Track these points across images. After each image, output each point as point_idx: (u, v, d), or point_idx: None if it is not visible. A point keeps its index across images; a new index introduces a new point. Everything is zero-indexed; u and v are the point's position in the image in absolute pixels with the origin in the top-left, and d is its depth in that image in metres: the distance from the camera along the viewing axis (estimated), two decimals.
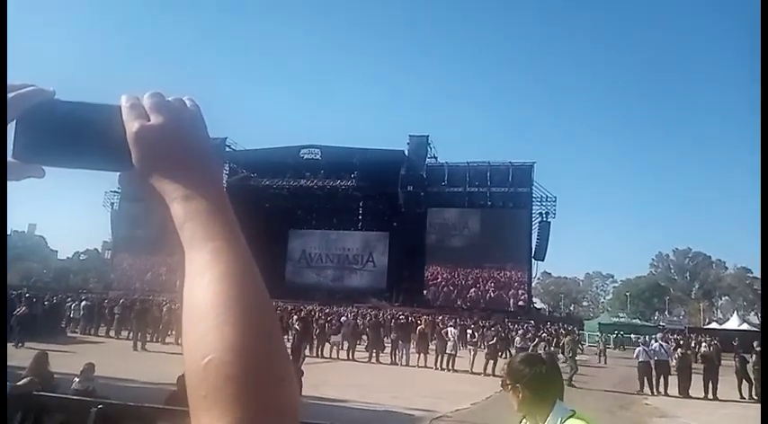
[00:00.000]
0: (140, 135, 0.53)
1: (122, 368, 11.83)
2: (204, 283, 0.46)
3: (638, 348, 16.20)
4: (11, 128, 0.53)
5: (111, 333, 23.11)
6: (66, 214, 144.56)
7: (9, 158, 0.53)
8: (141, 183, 0.54)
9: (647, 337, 19.70)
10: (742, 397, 15.31)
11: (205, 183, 0.52)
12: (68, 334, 22.25)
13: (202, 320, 0.44)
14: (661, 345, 16.47)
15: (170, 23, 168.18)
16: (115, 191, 56.96)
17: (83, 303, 25.60)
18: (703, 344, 19.87)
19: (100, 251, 78.84)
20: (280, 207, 49.99)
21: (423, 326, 20.91)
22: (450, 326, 20.58)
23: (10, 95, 0.53)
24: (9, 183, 0.55)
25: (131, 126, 0.53)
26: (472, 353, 19.00)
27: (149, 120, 0.54)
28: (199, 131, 0.56)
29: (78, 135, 0.54)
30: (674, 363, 15.86)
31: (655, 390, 15.43)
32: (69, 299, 27.74)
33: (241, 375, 0.41)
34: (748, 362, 15.48)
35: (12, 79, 0.55)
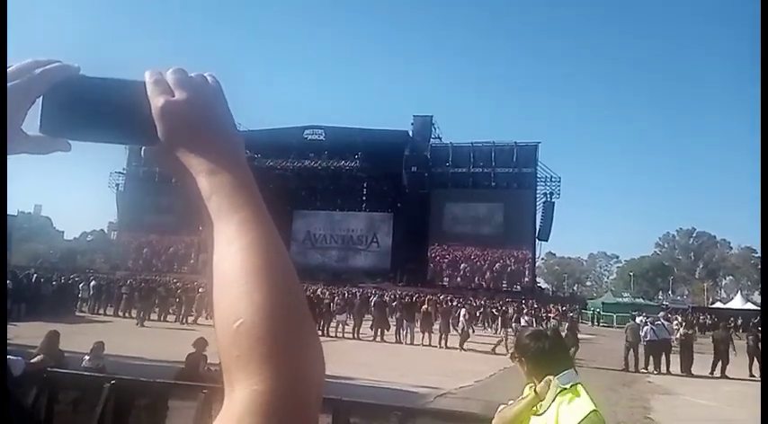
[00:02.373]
0: (166, 110, 0.54)
1: (131, 347, 11.98)
2: (232, 252, 0.48)
3: (645, 327, 16.23)
4: (38, 104, 0.54)
5: (119, 312, 23.37)
6: (71, 195, 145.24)
7: (36, 132, 0.55)
8: (166, 157, 0.55)
9: (655, 315, 19.76)
10: (752, 375, 15.48)
11: (230, 157, 0.54)
12: (77, 314, 22.49)
13: (232, 287, 0.46)
14: (662, 324, 16.51)
15: (175, 5, 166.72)
16: (120, 172, 57.13)
17: (91, 283, 25.86)
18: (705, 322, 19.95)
19: (106, 231, 79.18)
20: (284, 188, 49.93)
21: (427, 306, 21.04)
22: (462, 308, 20.85)
23: (37, 71, 0.54)
24: (30, 157, 0.56)
25: (156, 101, 0.55)
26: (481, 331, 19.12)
27: (174, 96, 0.55)
28: (221, 107, 0.58)
29: (103, 110, 0.55)
30: (675, 341, 15.98)
31: (656, 368, 15.56)
32: (77, 279, 28.02)
33: (271, 337, 0.44)
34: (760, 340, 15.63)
35: (36, 56, 0.56)
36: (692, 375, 15.09)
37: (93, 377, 4.15)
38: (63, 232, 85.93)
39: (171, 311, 23.06)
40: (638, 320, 18.95)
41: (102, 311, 24.11)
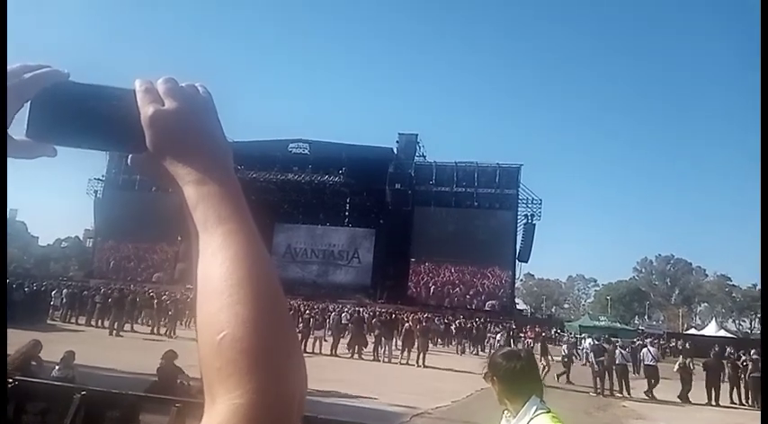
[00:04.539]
0: (155, 118, 0.54)
1: (103, 357, 11.74)
2: (217, 263, 0.48)
3: (616, 351, 16.45)
4: (26, 108, 0.54)
5: (92, 322, 22.90)
6: (47, 200, 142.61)
7: (23, 137, 0.54)
8: (153, 166, 0.55)
9: (636, 340, 20.10)
10: (736, 403, 15.84)
11: (218, 168, 0.54)
12: (48, 322, 21.99)
13: (216, 299, 0.46)
14: (649, 350, 16.76)
15: (166, 16, 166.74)
16: (99, 179, 56.36)
17: (64, 291, 25.35)
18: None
19: (81, 238, 77.89)
20: (266, 201, 49.45)
21: (409, 324, 20.98)
22: (498, 333, 21.02)
23: (26, 76, 0.54)
24: (8, 160, 0.56)
25: (146, 109, 0.55)
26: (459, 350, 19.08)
27: (164, 105, 0.55)
28: (211, 117, 0.58)
29: (92, 116, 0.55)
30: (676, 368, 16.11)
31: (623, 391, 15.66)
32: (51, 287, 27.47)
33: (254, 349, 0.44)
34: (742, 369, 16.05)
35: (25, 60, 0.56)
36: (667, 402, 15.21)
37: (62, 388, 4.05)
38: (38, 237, 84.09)
39: (144, 321, 22.69)
40: (587, 341, 19.33)
41: (74, 320, 23.61)
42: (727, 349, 23.37)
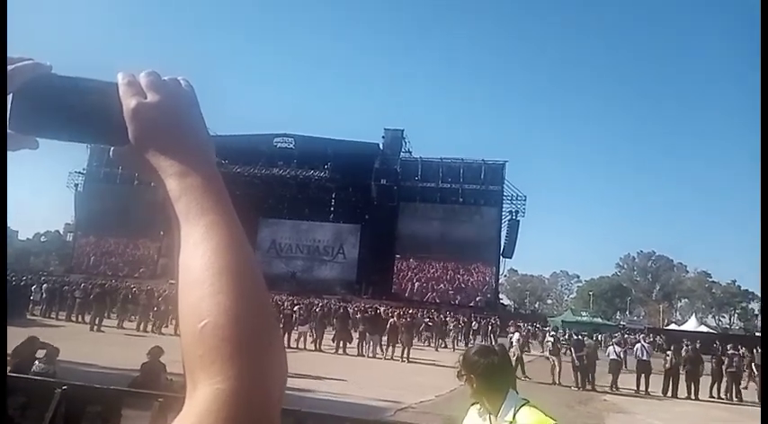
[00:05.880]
0: (137, 111, 0.55)
1: (83, 352, 11.63)
2: (199, 254, 0.48)
3: (609, 347, 16.72)
4: (8, 101, 0.54)
5: (73, 317, 22.62)
6: (27, 193, 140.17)
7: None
8: (135, 158, 0.55)
9: (626, 335, 20.44)
10: (714, 397, 16.12)
11: (200, 160, 0.55)
12: (28, 317, 21.69)
13: (198, 288, 0.47)
14: (643, 346, 17.00)
15: (149, 11, 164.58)
16: (80, 172, 55.52)
17: (44, 285, 25.01)
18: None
19: (62, 233, 76.86)
20: (251, 196, 48.99)
21: (395, 320, 21.02)
22: (516, 332, 20.94)
23: (9, 68, 0.54)
24: None
25: (128, 102, 0.55)
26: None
27: (146, 98, 0.56)
28: (193, 111, 0.59)
29: (74, 109, 0.55)
30: (667, 364, 16.31)
31: (639, 389, 15.88)
32: (30, 281, 27.09)
33: (235, 337, 0.44)
34: (724, 363, 16.41)
35: (9, 53, 0.56)
36: (647, 395, 15.45)
37: (43, 382, 4.01)
38: (17, 231, 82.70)
39: (126, 317, 22.45)
40: (548, 336, 19.63)
41: (54, 315, 23.31)
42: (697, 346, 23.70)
